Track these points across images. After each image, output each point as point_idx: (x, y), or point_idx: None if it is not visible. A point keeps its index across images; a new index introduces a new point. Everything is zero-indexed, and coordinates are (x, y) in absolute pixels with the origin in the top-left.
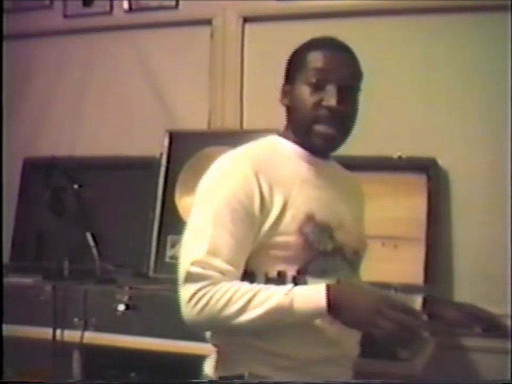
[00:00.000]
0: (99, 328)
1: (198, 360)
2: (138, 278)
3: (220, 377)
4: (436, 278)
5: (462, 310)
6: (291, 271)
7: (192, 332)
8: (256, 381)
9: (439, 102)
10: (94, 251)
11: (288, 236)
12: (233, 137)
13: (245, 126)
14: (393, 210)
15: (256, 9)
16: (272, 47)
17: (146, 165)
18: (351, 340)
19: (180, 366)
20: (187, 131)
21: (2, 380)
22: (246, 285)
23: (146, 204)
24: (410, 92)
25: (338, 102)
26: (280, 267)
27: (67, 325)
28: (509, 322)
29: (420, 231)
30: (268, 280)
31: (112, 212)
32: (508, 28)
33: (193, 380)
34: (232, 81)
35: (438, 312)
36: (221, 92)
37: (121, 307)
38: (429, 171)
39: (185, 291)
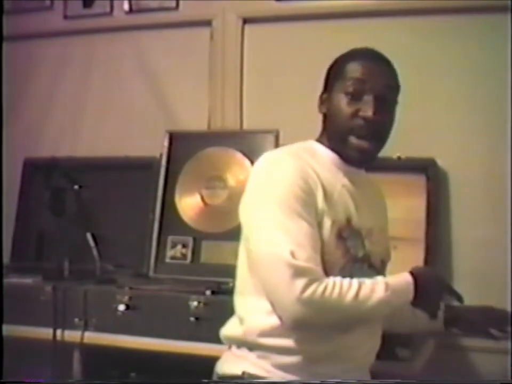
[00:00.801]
0: (99, 328)
1: (198, 360)
2: (138, 278)
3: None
4: None
5: (481, 312)
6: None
7: (193, 332)
8: (255, 381)
9: (438, 102)
10: (94, 251)
11: (329, 238)
12: (233, 137)
13: (245, 126)
14: (392, 211)
15: (256, 10)
16: (271, 48)
17: (146, 166)
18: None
19: (180, 366)
20: (187, 132)
21: (2, 380)
22: (340, 278)
23: (147, 205)
24: (410, 93)
25: (375, 112)
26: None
27: (67, 325)
28: None
29: (419, 232)
30: None
31: (112, 213)
32: (507, 29)
33: (193, 380)
34: (232, 81)
35: (458, 318)
36: (221, 93)
37: (121, 307)
38: (428, 172)
39: (292, 287)
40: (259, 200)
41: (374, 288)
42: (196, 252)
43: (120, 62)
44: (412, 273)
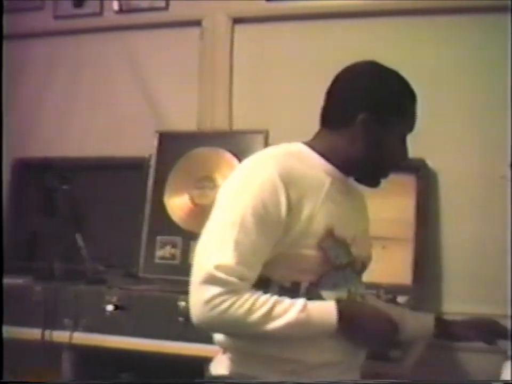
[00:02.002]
0: (89, 329)
1: (187, 360)
2: (128, 279)
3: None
4: (424, 279)
5: (470, 324)
6: (305, 283)
7: (182, 332)
8: (246, 381)
9: (429, 103)
10: (84, 252)
11: (308, 249)
12: (223, 137)
13: (235, 126)
14: (382, 211)
15: (245, 11)
16: (261, 48)
17: (136, 166)
18: (356, 347)
19: (169, 366)
20: (176, 132)
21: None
22: (262, 295)
23: (137, 205)
24: None
25: None
26: (295, 278)
27: (57, 325)
28: (506, 323)
29: (408, 232)
30: (281, 289)
31: (103, 213)
32: (506, 29)
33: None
34: (222, 82)
35: (449, 331)
36: (211, 93)
37: (111, 307)
38: (418, 172)
39: (202, 292)
40: (221, 203)
41: (288, 308)
42: (185, 252)
43: (110, 62)
44: (339, 303)
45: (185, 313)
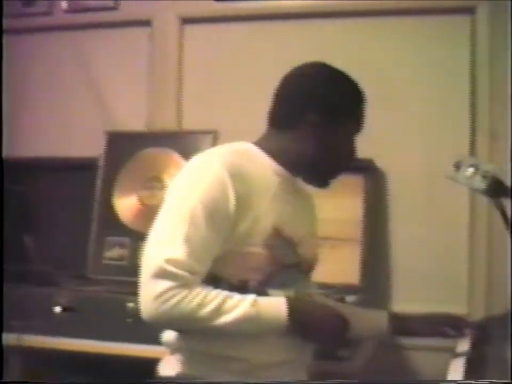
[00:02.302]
0: (38, 331)
1: (136, 361)
2: (77, 280)
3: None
4: (372, 278)
5: (424, 319)
6: (253, 281)
7: (130, 334)
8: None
9: (377, 103)
10: (33, 253)
11: (255, 247)
12: (172, 138)
13: (184, 127)
14: (331, 211)
15: (195, 11)
16: (211, 49)
17: (85, 166)
18: (303, 346)
19: (118, 367)
20: (126, 132)
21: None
22: (213, 290)
23: (86, 205)
24: None
25: None
26: (243, 276)
27: (5, 328)
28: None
29: (356, 232)
30: (230, 288)
31: (53, 213)
32: (460, 31)
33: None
34: (171, 82)
35: (403, 327)
36: (160, 93)
37: (60, 309)
38: (366, 172)
39: (153, 286)
40: (170, 198)
41: (238, 304)
42: (133, 253)
43: (60, 62)
44: (289, 300)
45: (134, 314)
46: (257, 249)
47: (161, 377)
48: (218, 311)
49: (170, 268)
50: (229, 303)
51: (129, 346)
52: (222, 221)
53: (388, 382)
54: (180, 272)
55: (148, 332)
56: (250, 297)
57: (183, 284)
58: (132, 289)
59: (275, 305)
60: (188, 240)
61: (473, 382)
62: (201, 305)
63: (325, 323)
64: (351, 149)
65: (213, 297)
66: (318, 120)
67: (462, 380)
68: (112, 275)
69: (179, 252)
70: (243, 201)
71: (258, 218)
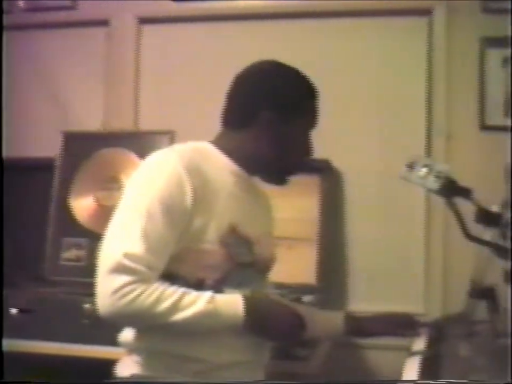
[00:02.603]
0: None
1: (93, 362)
2: (34, 281)
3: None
4: (328, 278)
5: (380, 319)
6: (209, 279)
7: (87, 335)
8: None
9: (334, 104)
10: None
11: (211, 244)
12: (129, 138)
13: (141, 127)
14: (287, 211)
15: (153, 11)
16: (168, 49)
17: (42, 166)
18: (260, 346)
19: (75, 368)
20: (83, 132)
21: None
22: (170, 286)
23: (43, 206)
24: None
25: None
26: (199, 274)
27: None
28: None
29: (313, 232)
30: (186, 286)
31: (10, 214)
32: (417, 32)
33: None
34: (128, 82)
35: (359, 327)
36: (117, 93)
37: (16, 310)
38: (323, 172)
39: (110, 281)
40: (128, 194)
41: (195, 300)
42: (90, 254)
43: (17, 61)
44: (245, 297)
45: (90, 315)
46: (213, 247)
47: (118, 378)
48: (175, 307)
49: (128, 263)
50: (186, 300)
51: (86, 348)
52: (179, 216)
53: (345, 382)
54: (138, 267)
55: (105, 333)
56: (208, 294)
57: (141, 279)
58: (89, 291)
59: (232, 302)
60: (146, 235)
61: (431, 382)
62: (158, 300)
63: (281, 321)
64: (306, 145)
65: (170, 293)
66: (271, 118)
67: (419, 380)
68: (69, 276)
69: (137, 246)
70: (199, 198)
71: (214, 216)
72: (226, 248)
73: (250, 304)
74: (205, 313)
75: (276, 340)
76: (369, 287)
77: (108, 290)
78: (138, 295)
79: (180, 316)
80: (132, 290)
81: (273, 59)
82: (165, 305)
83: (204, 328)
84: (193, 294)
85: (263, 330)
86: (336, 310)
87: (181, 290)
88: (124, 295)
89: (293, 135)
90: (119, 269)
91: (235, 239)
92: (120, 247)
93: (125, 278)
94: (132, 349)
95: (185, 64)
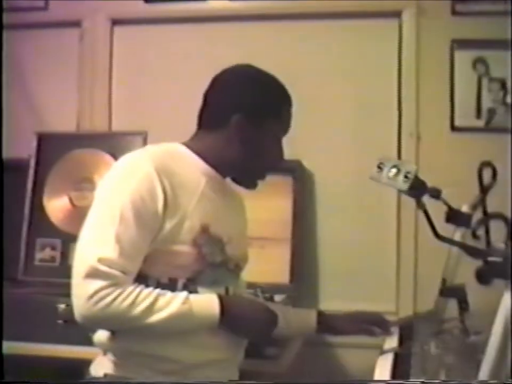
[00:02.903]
0: None
1: (67, 363)
2: (8, 282)
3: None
4: (301, 277)
5: (351, 318)
6: (182, 279)
7: (62, 335)
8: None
9: (306, 105)
10: None
11: (183, 245)
12: (102, 139)
13: (114, 128)
14: (260, 211)
15: (125, 12)
16: (140, 50)
17: (15, 167)
18: (235, 345)
19: (50, 369)
20: (56, 133)
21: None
22: (145, 289)
23: (16, 206)
24: None
25: None
26: (172, 274)
27: None
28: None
29: (285, 232)
30: (159, 285)
31: None
32: (388, 35)
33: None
34: (101, 83)
35: (331, 325)
36: (90, 94)
37: None
38: (295, 173)
39: (86, 286)
40: (100, 198)
41: (170, 301)
42: (64, 254)
43: None
44: (220, 296)
45: (65, 315)
46: (185, 248)
47: (91, 378)
48: (151, 310)
49: (103, 267)
50: (161, 301)
51: (60, 348)
52: (151, 219)
53: (314, 383)
54: (112, 271)
55: (79, 333)
56: (183, 295)
57: (116, 283)
58: (63, 291)
59: (207, 302)
60: (119, 239)
61: (403, 382)
62: (134, 304)
63: (257, 318)
64: (277, 151)
65: (146, 295)
66: (244, 122)
67: (391, 380)
68: (43, 277)
69: (111, 251)
70: (171, 200)
71: (186, 217)
72: (199, 248)
73: (225, 303)
74: (180, 314)
75: (252, 337)
76: (341, 286)
77: (83, 295)
78: (114, 299)
79: (155, 317)
80: (107, 295)
81: (250, 64)
82: (140, 308)
83: (180, 329)
84: (168, 295)
85: (240, 328)
86: (308, 309)
87: (156, 292)
88: (100, 300)
89: (264, 139)
90: (94, 274)
91: (207, 240)
92: (94, 252)
93: (100, 283)
94: (107, 349)
95: (157, 65)
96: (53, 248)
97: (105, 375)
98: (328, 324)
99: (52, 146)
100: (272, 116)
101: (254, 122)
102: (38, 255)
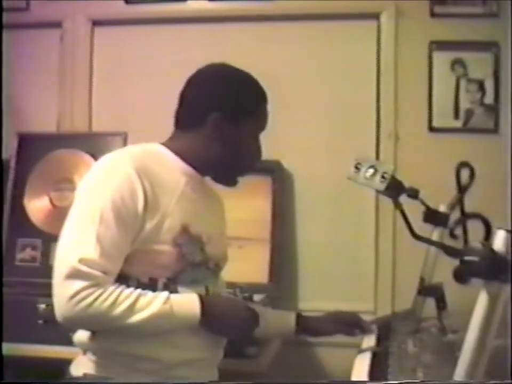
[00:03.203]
0: None
1: (47, 362)
2: None
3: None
4: (280, 277)
5: (329, 319)
6: (162, 279)
7: (42, 335)
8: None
9: (284, 105)
10: None
11: (163, 244)
12: (82, 139)
13: (94, 128)
14: (239, 211)
15: (105, 13)
16: (121, 51)
17: None
18: (214, 344)
19: (30, 369)
20: (36, 133)
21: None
22: (126, 289)
23: None
24: None
25: None
26: (152, 274)
27: None
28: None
29: (264, 232)
30: (139, 285)
31: None
32: (366, 35)
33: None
34: (81, 83)
35: (309, 327)
36: (70, 94)
37: None
38: (274, 173)
39: (67, 287)
40: (80, 198)
41: (151, 301)
42: (45, 254)
43: None
44: (201, 296)
45: (45, 315)
46: (166, 247)
47: (71, 378)
48: (132, 310)
49: (84, 268)
50: (142, 301)
51: (40, 348)
52: (132, 219)
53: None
54: (93, 271)
55: (60, 332)
56: (164, 295)
57: (97, 283)
58: (44, 291)
59: (188, 301)
60: (99, 240)
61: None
62: (115, 304)
63: (238, 317)
64: (255, 148)
65: (126, 295)
66: (220, 120)
67: (369, 381)
68: (24, 277)
69: (91, 251)
70: (151, 200)
71: (166, 217)
72: (179, 248)
73: (206, 302)
74: (161, 314)
75: (233, 336)
76: (320, 286)
77: (65, 295)
78: (95, 300)
79: (136, 317)
80: (88, 295)
81: (224, 62)
82: (121, 308)
83: (161, 329)
84: (149, 295)
85: (221, 328)
86: (287, 309)
87: (137, 292)
88: (81, 300)
89: (241, 137)
90: (75, 275)
91: (187, 239)
92: (75, 253)
93: (81, 283)
94: (87, 349)
95: (137, 66)
96: (34, 248)
97: (85, 375)
98: (307, 325)
99: (32, 147)
100: (248, 113)
101: (230, 120)
102: (19, 255)
